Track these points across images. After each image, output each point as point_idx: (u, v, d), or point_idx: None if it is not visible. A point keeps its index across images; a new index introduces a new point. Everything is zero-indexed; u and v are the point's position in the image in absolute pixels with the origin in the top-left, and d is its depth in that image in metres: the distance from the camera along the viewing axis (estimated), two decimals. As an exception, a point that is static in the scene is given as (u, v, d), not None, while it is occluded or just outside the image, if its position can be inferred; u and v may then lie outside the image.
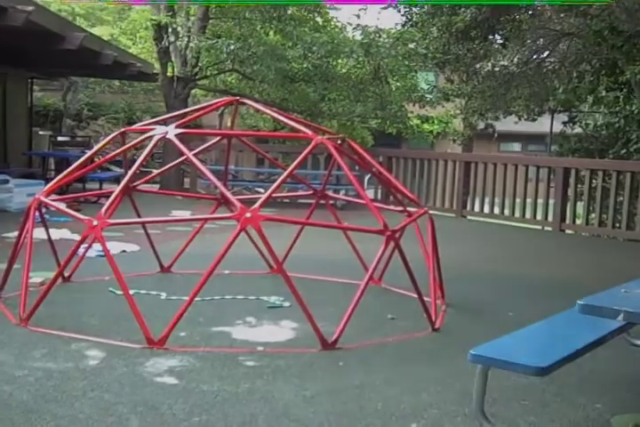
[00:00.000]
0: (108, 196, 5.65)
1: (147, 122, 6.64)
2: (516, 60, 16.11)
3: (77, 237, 5.70)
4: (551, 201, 11.56)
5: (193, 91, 17.37)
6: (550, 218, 11.57)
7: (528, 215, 12.05)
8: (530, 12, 14.40)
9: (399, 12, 15.01)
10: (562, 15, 14.21)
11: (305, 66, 15.80)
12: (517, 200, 12.11)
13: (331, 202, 7.80)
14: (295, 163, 5.64)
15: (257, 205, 4.84)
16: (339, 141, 6.16)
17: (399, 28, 16.08)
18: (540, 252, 9.50)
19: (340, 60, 16.34)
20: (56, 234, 7.66)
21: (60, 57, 12.68)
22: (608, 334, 3.73)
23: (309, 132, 5.69)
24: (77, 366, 4.20)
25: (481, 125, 19.35)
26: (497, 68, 16.10)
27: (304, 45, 14.79)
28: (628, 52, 12.14)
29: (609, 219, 10.86)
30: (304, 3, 16.26)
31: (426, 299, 5.41)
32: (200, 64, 16.03)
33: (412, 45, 15.81)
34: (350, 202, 7.59)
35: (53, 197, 6.20)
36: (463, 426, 3.58)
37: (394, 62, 15.74)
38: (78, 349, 4.52)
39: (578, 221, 11.53)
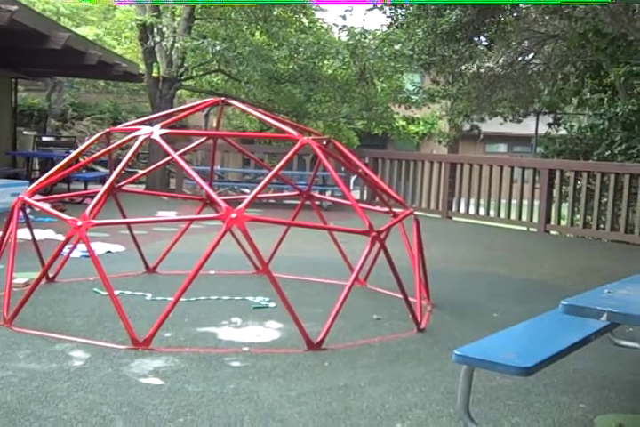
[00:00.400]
0: (92, 196, 5.63)
1: (132, 122, 6.62)
2: (501, 61, 16.20)
3: (62, 238, 5.68)
4: (536, 202, 11.61)
5: (178, 91, 17.35)
6: (535, 219, 11.61)
7: (513, 216, 12.11)
8: (515, 15, 14.47)
9: (385, 13, 15.06)
10: (547, 17, 14.30)
11: (291, 67, 15.82)
12: (503, 201, 12.16)
13: (317, 203, 7.81)
14: (280, 163, 5.63)
15: (242, 205, 4.84)
16: (324, 142, 6.17)
17: (385, 29, 16.13)
18: (525, 253, 9.53)
19: (325, 61, 16.35)
20: (40, 234, 7.64)
21: (45, 57, 12.64)
22: (592, 334, 3.75)
23: (295, 133, 5.69)
24: (62, 366, 4.18)
25: (466, 127, 19.42)
26: (482, 70, 16.18)
27: (290, 46, 14.80)
28: (612, 55, 12.22)
29: (593, 220, 10.91)
30: (292, 2, 16.25)
31: (411, 299, 5.41)
32: (186, 64, 16.02)
33: (397, 47, 15.84)
34: (336, 203, 7.61)
35: (38, 197, 6.18)
36: (448, 426, 3.59)
37: (380, 63, 15.76)
38: (62, 349, 4.50)
39: (563, 223, 11.59)
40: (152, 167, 8.46)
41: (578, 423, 3.69)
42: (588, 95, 14.47)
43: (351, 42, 15.44)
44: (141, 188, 13.82)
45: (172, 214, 10.87)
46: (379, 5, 14.83)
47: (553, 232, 11.60)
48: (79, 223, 4.79)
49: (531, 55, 16.62)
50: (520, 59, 16.44)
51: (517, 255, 9.23)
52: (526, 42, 15.90)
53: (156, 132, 5.37)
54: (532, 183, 11.74)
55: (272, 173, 5.50)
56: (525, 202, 11.92)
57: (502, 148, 32.15)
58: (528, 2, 12.82)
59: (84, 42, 13.23)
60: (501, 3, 12.73)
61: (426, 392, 4.01)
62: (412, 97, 17.23)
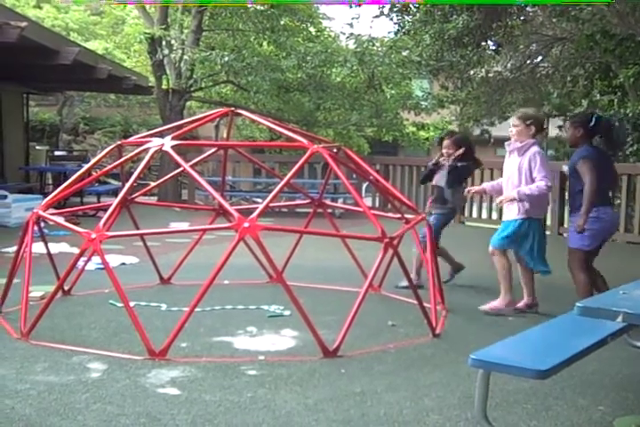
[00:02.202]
0: (106, 209, 5.66)
1: (143, 135, 6.65)
2: (509, 65, 16.17)
3: (76, 251, 5.70)
4: (549, 205, 11.55)
5: (188, 103, 17.42)
6: (549, 222, 11.57)
7: (526, 220, 12.05)
8: (522, 18, 14.47)
9: (391, 20, 15.07)
10: (554, 20, 14.27)
11: (299, 76, 15.86)
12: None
13: (329, 210, 7.82)
14: (292, 172, 5.65)
15: (255, 214, 4.85)
16: (335, 150, 6.18)
17: (392, 36, 16.16)
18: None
19: (334, 69, 16.40)
20: (55, 248, 7.68)
21: (55, 72, 12.70)
22: (608, 335, 3.74)
23: (305, 141, 5.70)
24: (79, 378, 4.20)
25: (477, 131, 19.39)
26: (491, 75, 16.16)
27: (298, 55, 14.86)
28: (620, 56, 12.20)
29: (607, 222, 10.85)
30: (299, 2, 16.29)
31: (426, 305, 5.41)
32: (194, 76, 16.10)
33: (405, 53, 15.87)
34: (348, 210, 7.61)
35: (51, 211, 6.21)
36: (466, 431, 3.59)
37: (388, 70, 15.80)
38: (80, 361, 4.52)
39: (576, 225, 11.53)
40: (164, 179, 8.49)
41: (597, 426, 3.69)
42: (598, 97, 14.43)
43: (359, 49, 15.48)
44: (153, 199, 13.87)
45: (184, 225, 10.90)
46: (385, 12, 14.83)
47: (566, 235, 11.54)
48: (93, 236, 4.82)
49: (539, 58, 16.59)
50: (528, 62, 16.42)
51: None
52: (534, 45, 15.89)
53: (167, 143, 5.40)
54: (545, 186, 11.69)
55: (283, 181, 5.51)
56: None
57: (513, 151, 32.05)
58: (531, 2, 12.78)
59: (93, 56, 13.31)
60: (505, 3, 12.71)
61: (442, 397, 4.00)
62: (422, 103, 17.26)
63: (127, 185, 5.60)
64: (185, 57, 15.20)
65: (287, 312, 5.72)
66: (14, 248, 6.28)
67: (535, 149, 5.97)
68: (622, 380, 4.36)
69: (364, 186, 15.07)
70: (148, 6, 16.37)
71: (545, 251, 6.19)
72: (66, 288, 6.22)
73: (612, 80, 13.32)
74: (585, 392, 4.11)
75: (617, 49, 12.07)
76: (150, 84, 16.44)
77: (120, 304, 5.35)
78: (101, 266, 5.47)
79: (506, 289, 6.11)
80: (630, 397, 4.08)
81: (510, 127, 6.18)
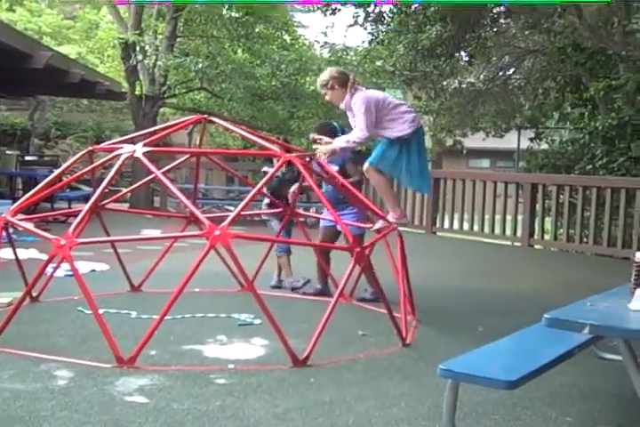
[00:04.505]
0: (76, 215, 5.61)
1: (115, 140, 6.61)
2: (482, 77, 16.32)
3: (45, 257, 5.65)
4: (520, 217, 11.66)
5: (162, 109, 17.37)
6: (519, 233, 11.66)
7: (497, 231, 12.15)
8: (494, 30, 14.62)
9: (365, 29, 15.15)
10: (526, 33, 14.43)
11: (273, 84, 15.88)
12: (487, 216, 12.20)
13: (301, 219, 7.81)
14: (264, 180, 5.66)
15: (226, 222, 4.83)
16: (307, 159, 6.18)
17: (366, 45, 16.24)
18: (510, 267, 9.56)
19: (308, 78, 16.41)
20: (24, 254, 7.59)
21: (27, 76, 12.61)
22: (575, 347, 3.76)
23: (278, 150, 5.71)
24: (46, 386, 4.15)
25: (449, 142, 19.52)
26: (464, 85, 16.31)
27: (272, 63, 14.88)
28: (591, 69, 12.34)
29: (576, 234, 10.97)
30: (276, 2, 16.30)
31: (396, 315, 5.42)
32: (168, 82, 16.05)
33: (379, 63, 15.95)
34: (320, 219, 7.62)
35: (21, 216, 6.15)
36: (434, 441, 3.59)
37: (362, 80, 15.82)
38: (47, 369, 4.47)
39: (546, 237, 11.64)
40: (136, 185, 8.46)
41: (564, 436, 3.71)
42: (569, 109, 14.60)
43: (333, 58, 15.54)
44: (125, 206, 13.78)
45: (156, 233, 10.82)
46: (359, 21, 14.90)
47: (537, 246, 11.65)
48: (62, 242, 4.78)
49: (511, 70, 16.77)
50: (501, 74, 16.58)
51: (502, 270, 9.26)
52: (507, 57, 16.05)
53: (139, 150, 5.37)
54: (516, 198, 11.80)
55: (255, 189, 5.51)
56: (509, 217, 11.97)
57: (485, 163, 32.29)
58: (529, 2, 12.85)
59: (66, 60, 13.25)
60: (508, 3, 12.78)
61: (412, 407, 4.01)
62: (395, 113, 17.28)
63: (98, 191, 5.56)
64: (159, 63, 15.14)
65: (257, 321, 5.70)
66: (-18, 254, 6.21)
67: (356, 97, 5.79)
68: (590, 391, 4.39)
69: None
70: (122, 11, 16.30)
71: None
72: (34, 295, 6.15)
73: (582, 93, 13.47)
74: (553, 403, 4.13)
75: (588, 62, 12.22)
76: (123, 90, 16.37)
77: (89, 311, 5.29)
78: (71, 273, 5.42)
79: (392, 204, 6.17)
80: (598, 407, 4.11)
81: (327, 97, 6.03)
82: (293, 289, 7.17)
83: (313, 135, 6.63)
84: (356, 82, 5.91)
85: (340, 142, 5.76)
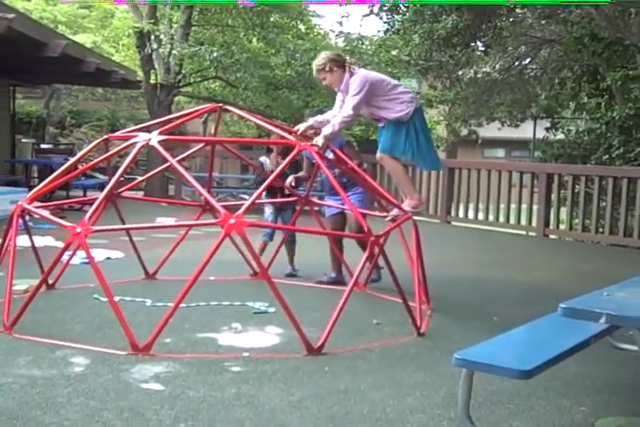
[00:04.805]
0: (91, 203, 5.63)
1: (130, 129, 6.62)
2: (498, 66, 16.21)
3: (61, 245, 5.67)
4: (535, 206, 11.62)
5: (176, 98, 17.36)
6: (534, 223, 11.62)
7: (512, 221, 12.10)
8: (511, 20, 14.51)
9: (381, 19, 15.08)
10: (543, 22, 14.32)
11: (288, 73, 15.82)
12: (501, 206, 12.16)
13: (315, 208, 7.81)
14: (278, 169, 5.66)
15: (241, 211, 4.84)
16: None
17: (381, 35, 16.16)
18: (525, 257, 9.54)
19: (323, 67, 16.34)
20: (40, 241, 7.63)
21: (43, 64, 12.65)
22: (591, 337, 3.75)
23: (293, 138, 5.70)
24: (62, 372, 4.18)
25: (464, 132, 19.44)
26: (479, 75, 16.21)
27: (287, 52, 14.81)
28: (608, 59, 12.25)
29: (592, 224, 10.91)
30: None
31: (411, 304, 5.42)
32: (183, 71, 16.03)
33: (394, 52, 15.88)
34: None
35: (37, 204, 6.18)
36: (449, 430, 3.59)
37: (377, 69, 15.78)
38: (63, 356, 4.50)
39: (561, 227, 11.60)
40: (151, 174, 8.47)
41: (578, 426, 3.70)
42: (586, 99, 14.49)
43: (348, 48, 15.46)
44: (140, 194, 13.81)
45: (170, 221, 10.86)
46: (375, 11, 14.84)
47: (552, 236, 11.61)
48: (78, 230, 4.80)
49: (527, 60, 16.65)
50: (517, 64, 16.47)
51: (516, 259, 9.24)
52: (523, 47, 15.94)
53: (154, 138, 5.38)
54: (531, 187, 11.74)
55: (270, 178, 5.51)
56: (524, 206, 11.92)
57: (500, 152, 32.13)
58: (528, 2, 12.80)
59: (81, 49, 13.26)
60: (495, 3, 12.73)
61: (426, 396, 4.01)
62: (410, 102, 17.22)
63: (113, 179, 5.58)
64: (174, 52, 15.12)
65: (272, 309, 5.72)
66: (-2, 241, 6.25)
67: (355, 76, 5.75)
68: (605, 381, 4.38)
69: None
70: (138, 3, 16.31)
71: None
72: (50, 282, 6.19)
73: (599, 83, 13.38)
74: (567, 393, 4.13)
75: (605, 52, 12.12)
76: (138, 79, 16.37)
77: (104, 299, 5.33)
78: (86, 260, 5.44)
79: (409, 190, 6.18)
80: (612, 398, 4.10)
81: (325, 82, 5.98)
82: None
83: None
84: (352, 63, 5.91)
85: (327, 130, 5.73)
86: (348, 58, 5.97)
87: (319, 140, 5.69)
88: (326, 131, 5.72)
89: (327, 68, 5.86)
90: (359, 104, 5.69)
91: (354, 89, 5.71)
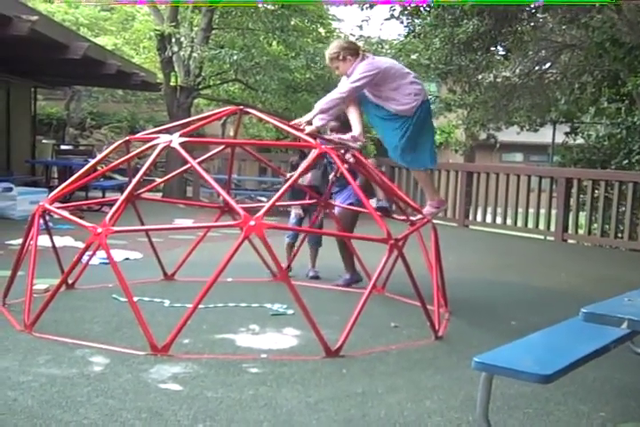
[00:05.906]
0: (110, 204, 5.67)
1: (150, 131, 6.65)
2: (517, 71, 16.17)
3: (81, 245, 5.72)
4: (553, 211, 11.58)
5: (196, 100, 17.43)
6: (553, 228, 11.58)
7: (530, 225, 12.07)
8: (532, 24, 14.46)
9: (402, 23, 15.07)
10: (564, 27, 14.27)
11: (307, 76, 15.85)
12: (520, 210, 12.13)
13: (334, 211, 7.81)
14: (298, 171, 5.67)
15: (261, 213, 4.85)
16: (342, 151, 6.17)
17: (402, 38, 16.15)
18: (543, 261, 9.50)
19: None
20: (60, 241, 7.69)
21: (64, 66, 12.74)
22: (611, 342, 3.74)
23: (312, 141, 5.70)
24: (82, 372, 4.20)
25: (483, 136, 19.40)
26: (499, 80, 16.16)
27: (307, 56, 14.86)
28: (629, 64, 12.19)
29: (611, 229, 10.87)
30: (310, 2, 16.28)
31: (429, 307, 5.41)
32: (203, 74, 16.10)
33: (414, 56, 15.86)
34: (354, 211, 7.60)
35: (57, 204, 6.22)
36: (467, 434, 3.59)
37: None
38: (82, 355, 4.53)
39: (580, 231, 11.55)
40: (171, 175, 8.50)
41: (597, 432, 3.69)
42: (605, 104, 14.43)
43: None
44: (158, 195, 13.87)
45: (188, 222, 10.90)
46: (395, 15, 14.82)
47: (570, 241, 11.56)
48: (99, 230, 4.82)
49: (547, 65, 16.59)
50: (537, 68, 16.41)
51: (535, 264, 9.21)
52: (543, 51, 15.88)
53: (175, 140, 5.40)
54: (550, 192, 11.71)
55: (290, 181, 5.52)
56: (542, 211, 11.89)
57: (519, 157, 32.01)
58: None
59: (102, 51, 13.34)
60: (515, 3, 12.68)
61: (444, 400, 4.00)
62: (429, 106, 17.20)
63: (134, 181, 5.61)
64: (194, 55, 15.20)
65: (290, 311, 5.73)
66: (19, 241, 6.30)
67: (363, 62, 5.66)
68: (624, 387, 4.36)
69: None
70: (158, 4, 16.40)
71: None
72: (70, 282, 6.23)
73: (619, 88, 13.31)
74: (586, 398, 4.11)
75: (626, 57, 12.06)
76: (158, 81, 16.46)
77: (123, 299, 5.35)
78: (106, 261, 5.47)
79: (431, 192, 6.20)
80: (632, 404, 4.08)
81: (337, 71, 5.91)
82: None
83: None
84: (365, 50, 5.81)
85: (317, 122, 5.70)
86: (360, 45, 5.83)
87: (307, 127, 5.65)
88: (316, 124, 5.67)
89: (340, 57, 5.73)
90: (356, 89, 5.54)
91: (358, 73, 5.54)
